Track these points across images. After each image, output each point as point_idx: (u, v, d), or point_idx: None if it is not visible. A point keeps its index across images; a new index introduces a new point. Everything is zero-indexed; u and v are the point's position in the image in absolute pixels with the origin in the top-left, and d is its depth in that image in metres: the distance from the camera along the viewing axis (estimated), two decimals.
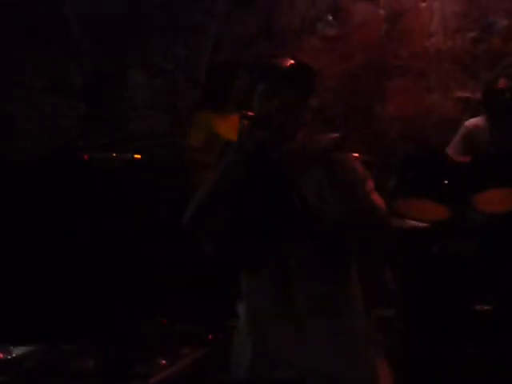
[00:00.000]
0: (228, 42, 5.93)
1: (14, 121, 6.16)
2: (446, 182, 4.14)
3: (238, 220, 2.39)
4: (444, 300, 3.98)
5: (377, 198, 2.41)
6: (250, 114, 2.37)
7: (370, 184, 2.44)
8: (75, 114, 6.15)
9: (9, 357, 3.22)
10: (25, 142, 6.09)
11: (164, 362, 3.14)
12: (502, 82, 4.70)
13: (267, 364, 2.41)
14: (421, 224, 4.22)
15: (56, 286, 4.46)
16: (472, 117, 5.03)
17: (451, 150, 4.82)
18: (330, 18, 5.86)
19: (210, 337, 4.18)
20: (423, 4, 5.76)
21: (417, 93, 5.76)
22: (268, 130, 2.35)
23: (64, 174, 4.92)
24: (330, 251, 2.38)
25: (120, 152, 5.34)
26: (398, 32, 5.78)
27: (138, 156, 5.30)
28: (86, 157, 5.13)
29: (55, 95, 6.15)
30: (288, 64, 2.45)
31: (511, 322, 3.82)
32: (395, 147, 5.54)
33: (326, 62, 5.71)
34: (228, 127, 4.56)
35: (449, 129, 5.22)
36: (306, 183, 2.40)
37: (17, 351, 3.27)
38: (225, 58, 5.68)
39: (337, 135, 4.58)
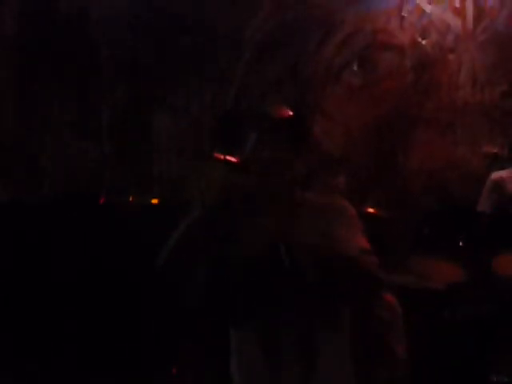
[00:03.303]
0: (253, 87, 5.85)
1: (38, 160, 6.12)
2: (462, 243, 3.96)
3: (219, 274, 2.24)
4: (457, 369, 3.77)
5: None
6: (232, 159, 2.23)
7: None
8: (99, 154, 6.12)
9: None
10: (46, 182, 6.06)
11: None
12: None
13: None
14: (434, 285, 4.02)
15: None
16: None
17: (480, 207, 4.64)
18: (356, 66, 5.76)
19: None
20: (451, 55, 5.64)
21: (442, 146, 5.61)
22: (254, 177, 2.21)
23: (78, 217, 4.86)
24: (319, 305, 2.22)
25: (141, 194, 5.27)
26: (425, 83, 5.66)
27: (155, 201, 5.20)
28: (101, 200, 5.06)
29: (80, 133, 6.12)
30: (281, 114, 2.31)
31: None
32: (417, 201, 5.38)
33: (351, 111, 5.61)
34: None
35: (474, 185, 5.05)
36: (302, 234, 2.23)
37: None
38: (247, 104, 5.60)
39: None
